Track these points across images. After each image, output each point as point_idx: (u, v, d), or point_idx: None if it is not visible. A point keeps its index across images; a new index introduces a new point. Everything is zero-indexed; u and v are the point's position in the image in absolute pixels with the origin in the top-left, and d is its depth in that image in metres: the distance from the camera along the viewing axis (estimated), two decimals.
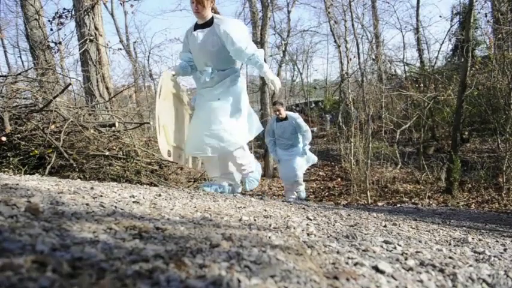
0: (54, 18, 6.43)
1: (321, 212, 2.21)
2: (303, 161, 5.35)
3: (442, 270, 0.96)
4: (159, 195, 1.90)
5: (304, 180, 8.19)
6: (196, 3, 2.77)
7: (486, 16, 8.51)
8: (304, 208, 2.41)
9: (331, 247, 1.09)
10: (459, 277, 0.93)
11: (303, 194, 5.57)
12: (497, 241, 1.77)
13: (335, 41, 9.92)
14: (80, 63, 6.35)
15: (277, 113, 5.20)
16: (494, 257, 1.22)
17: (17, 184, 1.52)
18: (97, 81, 6.00)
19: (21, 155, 3.20)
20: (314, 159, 5.50)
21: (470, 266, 1.06)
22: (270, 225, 1.37)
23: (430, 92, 9.24)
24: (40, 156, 3.22)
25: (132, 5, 9.54)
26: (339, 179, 8.17)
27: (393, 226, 1.90)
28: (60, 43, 6.87)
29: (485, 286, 0.92)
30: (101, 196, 1.48)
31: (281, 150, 5.38)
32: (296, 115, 5.31)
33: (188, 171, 7.77)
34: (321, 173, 8.97)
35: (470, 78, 6.97)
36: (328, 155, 10.83)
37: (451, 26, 12.65)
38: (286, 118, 5.22)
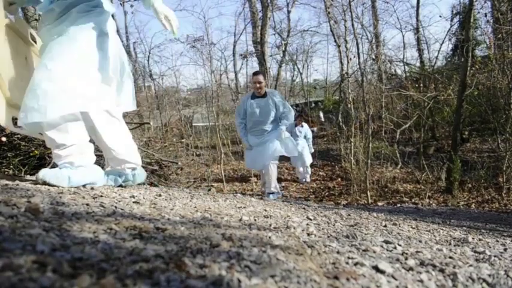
0: None
1: (321, 212, 2.21)
2: (278, 146, 4.32)
3: (442, 270, 0.96)
4: (159, 195, 1.90)
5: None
6: None
7: (486, 16, 8.51)
8: (304, 208, 2.41)
9: (331, 247, 1.09)
10: (459, 277, 0.93)
11: (273, 195, 4.47)
12: (497, 241, 1.78)
13: (335, 41, 9.92)
14: None
15: (257, 85, 4.23)
16: (495, 256, 1.22)
17: (17, 184, 1.52)
18: None
19: (22, 156, 3.20)
20: (292, 150, 4.48)
21: (471, 265, 1.06)
22: (270, 225, 1.37)
23: (430, 91, 9.24)
24: (40, 156, 3.22)
25: (132, 5, 9.52)
26: (339, 179, 8.16)
27: (393, 226, 1.90)
28: None
29: (486, 286, 0.92)
30: (101, 196, 1.48)
31: (254, 137, 4.40)
32: (278, 93, 4.47)
33: (188, 171, 7.76)
34: (321, 173, 8.97)
35: (470, 78, 6.96)
36: (328, 155, 10.83)
37: (451, 26, 12.64)
38: (264, 95, 4.29)
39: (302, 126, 7.70)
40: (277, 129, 4.34)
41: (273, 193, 4.45)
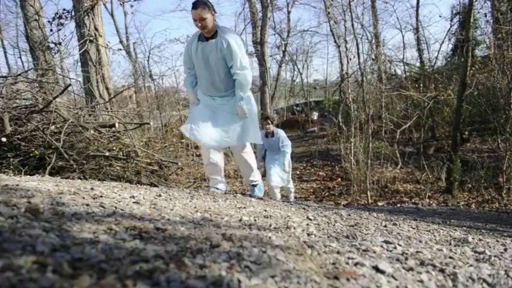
0: (54, 18, 6.44)
1: (321, 212, 2.21)
2: (244, 121, 2.98)
3: (442, 270, 0.96)
4: (159, 195, 1.90)
5: (303, 181, 8.22)
6: None
7: (486, 16, 8.52)
8: (304, 208, 2.41)
9: (331, 247, 1.09)
10: (459, 277, 0.93)
11: (259, 192, 3.31)
12: (497, 241, 1.77)
13: (335, 41, 9.93)
14: (79, 63, 6.36)
15: (198, 24, 2.74)
16: (495, 256, 1.22)
17: (17, 185, 1.52)
18: (97, 82, 6.01)
19: (22, 156, 3.20)
20: (255, 135, 3.13)
21: (471, 265, 1.06)
22: (270, 225, 1.37)
23: (430, 91, 9.24)
24: (40, 157, 3.22)
25: (132, 6, 9.54)
26: (339, 179, 8.16)
27: (393, 226, 1.90)
28: (60, 44, 6.88)
29: (486, 286, 0.92)
30: (101, 197, 1.48)
31: (205, 97, 3.04)
32: (235, 33, 3.01)
33: (188, 171, 7.76)
34: (321, 173, 8.97)
35: (470, 78, 6.97)
36: (328, 155, 10.83)
37: (451, 26, 12.66)
38: (215, 35, 2.83)
39: (273, 135, 5.18)
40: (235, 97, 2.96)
41: (220, 184, 3.19)
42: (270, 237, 1.06)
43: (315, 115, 16.84)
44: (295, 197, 6.68)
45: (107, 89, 6.20)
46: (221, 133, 2.94)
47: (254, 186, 3.42)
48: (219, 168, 3.15)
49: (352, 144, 7.21)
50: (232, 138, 2.97)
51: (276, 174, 5.19)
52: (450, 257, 1.14)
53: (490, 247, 1.53)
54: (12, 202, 1.02)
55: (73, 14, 6.21)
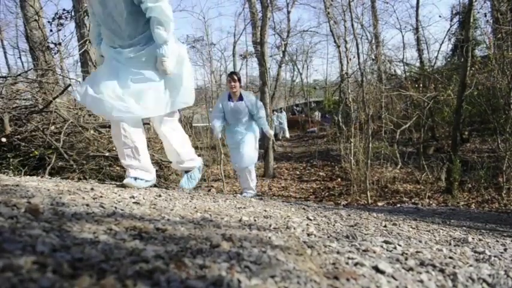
0: (53, 19, 6.43)
1: (321, 212, 2.21)
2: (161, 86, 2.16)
3: (442, 270, 0.96)
4: (159, 195, 1.90)
5: (303, 181, 8.22)
6: None
7: (486, 16, 8.51)
8: (304, 208, 2.41)
9: (331, 247, 1.09)
10: (459, 277, 0.93)
11: (186, 182, 2.58)
12: (497, 241, 1.77)
13: (335, 41, 9.92)
14: (79, 64, 6.36)
15: None
16: (495, 256, 1.22)
17: (17, 185, 1.52)
18: None
19: (21, 156, 3.20)
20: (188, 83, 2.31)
21: (471, 266, 1.06)
22: (270, 225, 1.37)
23: (430, 92, 9.23)
24: (40, 157, 3.22)
25: None
26: (339, 179, 8.16)
27: (393, 226, 1.90)
28: (60, 44, 6.88)
29: (486, 286, 0.92)
30: (101, 197, 1.48)
31: (109, 49, 2.20)
32: None
33: None
34: (321, 173, 8.97)
35: (470, 78, 6.97)
36: (328, 155, 10.83)
37: (451, 26, 12.65)
38: None
39: (240, 99, 3.86)
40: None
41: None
42: (270, 238, 1.06)
43: (317, 115, 16.86)
44: (295, 197, 6.68)
45: None
46: (130, 98, 2.06)
47: (186, 172, 2.60)
48: (137, 150, 2.15)
49: (352, 144, 7.21)
50: (148, 105, 2.10)
51: (247, 154, 3.87)
52: (450, 257, 1.14)
53: (490, 247, 1.53)
54: (12, 202, 1.02)
55: (73, 14, 6.21)
